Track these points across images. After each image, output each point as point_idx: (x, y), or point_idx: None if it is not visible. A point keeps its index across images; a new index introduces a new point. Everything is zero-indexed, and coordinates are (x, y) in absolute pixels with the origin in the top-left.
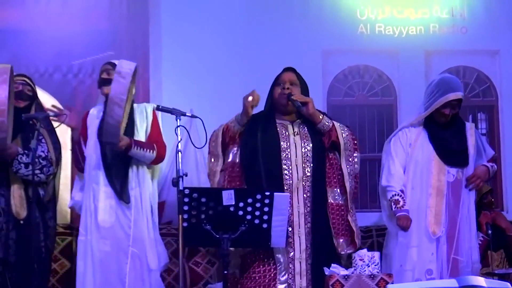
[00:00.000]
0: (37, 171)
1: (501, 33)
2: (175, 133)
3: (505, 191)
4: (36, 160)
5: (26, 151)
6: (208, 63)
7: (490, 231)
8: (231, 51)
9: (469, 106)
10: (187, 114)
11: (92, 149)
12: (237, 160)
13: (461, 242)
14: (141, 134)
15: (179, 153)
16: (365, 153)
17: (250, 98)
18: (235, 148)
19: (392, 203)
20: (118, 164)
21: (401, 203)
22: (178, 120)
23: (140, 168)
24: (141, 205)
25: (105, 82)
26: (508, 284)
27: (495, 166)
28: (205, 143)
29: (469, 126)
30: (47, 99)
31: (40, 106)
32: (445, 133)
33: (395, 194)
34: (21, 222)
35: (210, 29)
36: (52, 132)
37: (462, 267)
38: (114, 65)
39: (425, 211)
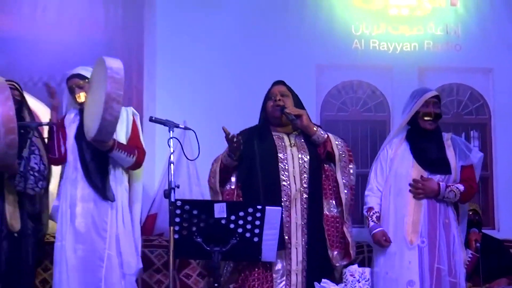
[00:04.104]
0: (31, 184)
1: (495, 51)
2: (168, 144)
3: (497, 210)
4: (31, 172)
5: (18, 161)
6: (202, 75)
7: (479, 246)
8: (225, 64)
9: (462, 124)
10: (180, 126)
11: (69, 152)
12: (236, 185)
13: (442, 250)
14: (120, 137)
15: (172, 164)
16: (358, 169)
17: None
18: (233, 178)
19: (366, 219)
20: (97, 164)
21: (367, 222)
22: (171, 131)
23: (117, 170)
24: (117, 207)
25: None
26: None
27: (460, 188)
28: (198, 155)
29: (446, 137)
30: (40, 108)
31: (29, 110)
32: (426, 144)
33: (366, 210)
34: (16, 235)
35: (205, 42)
36: (45, 143)
37: (443, 275)
38: (82, 77)
39: (403, 219)
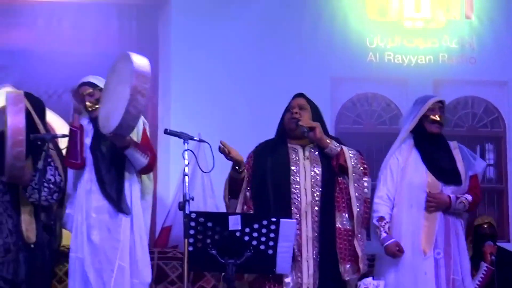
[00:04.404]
0: (45, 195)
1: (510, 64)
2: (183, 157)
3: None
4: (45, 184)
5: (34, 173)
6: (216, 88)
7: (494, 259)
8: (240, 77)
9: (477, 137)
10: (195, 138)
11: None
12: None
13: (456, 261)
14: None
15: (186, 177)
16: (372, 181)
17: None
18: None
19: (377, 229)
20: (112, 176)
21: (378, 232)
22: (186, 144)
23: (132, 179)
24: (132, 216)
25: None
26: None
27: (468, 198)
28: (212, 168)
29: (453, 146)
30: (54, 120)
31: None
32: (436, 153)
33: (377, 220)
34: (32, 246)
35: (219, 54)
36: (61, 155)
37: (457, 285)
38: (92, 85)
39: (419, 230)
